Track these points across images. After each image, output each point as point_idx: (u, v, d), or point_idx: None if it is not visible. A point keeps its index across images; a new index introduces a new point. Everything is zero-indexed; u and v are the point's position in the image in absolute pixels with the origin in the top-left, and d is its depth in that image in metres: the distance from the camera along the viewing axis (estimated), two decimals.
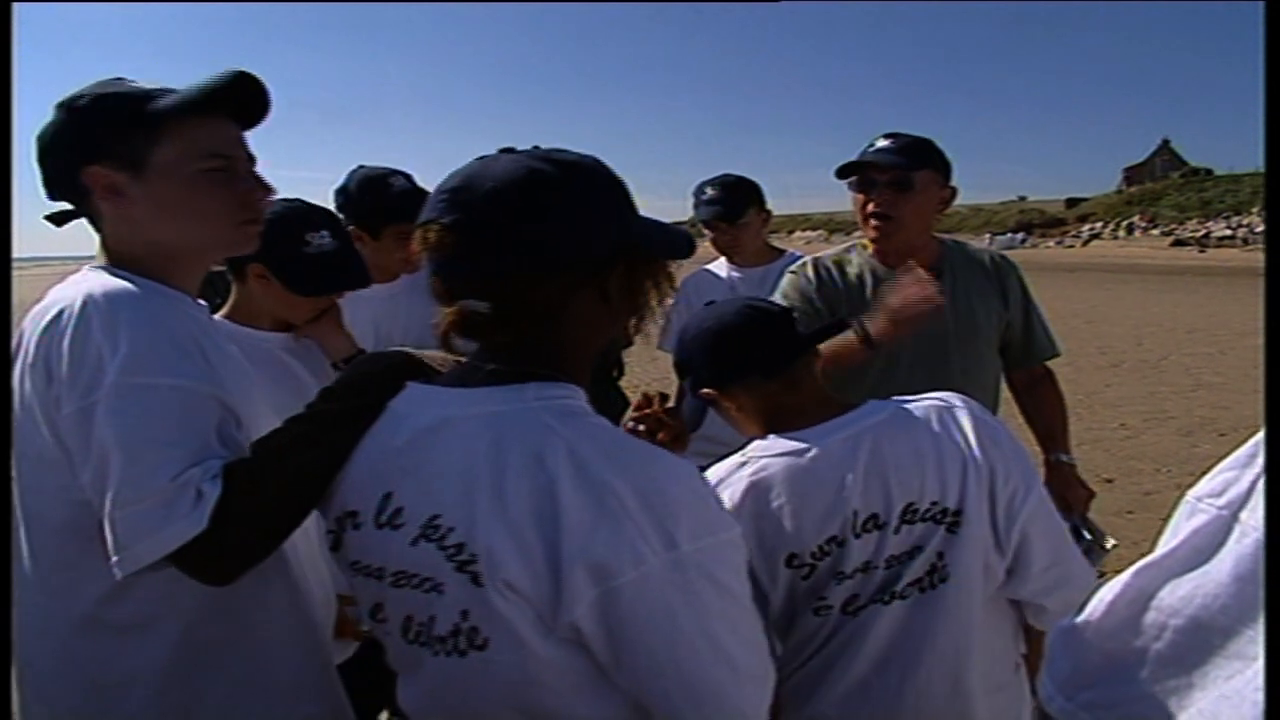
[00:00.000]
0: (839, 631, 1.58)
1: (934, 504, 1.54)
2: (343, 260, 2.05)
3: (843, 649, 1.57)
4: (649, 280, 1.18)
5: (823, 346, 2.51)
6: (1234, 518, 0.78)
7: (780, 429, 1.62)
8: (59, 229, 1.45)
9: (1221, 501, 0.80)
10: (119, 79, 1.37)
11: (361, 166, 2.66)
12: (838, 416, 1.59)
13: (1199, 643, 0.78)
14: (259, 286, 2.02)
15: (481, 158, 1.14)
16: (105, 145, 1.31)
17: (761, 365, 1.63)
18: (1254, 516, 0.76)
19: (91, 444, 1.17)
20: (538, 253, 1.08)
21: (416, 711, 1.19)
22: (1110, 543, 2.48)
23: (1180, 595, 0.80)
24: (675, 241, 1.20)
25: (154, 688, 1.29)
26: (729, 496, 1.57)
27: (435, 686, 1.14)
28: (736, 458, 1.62)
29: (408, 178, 2.63)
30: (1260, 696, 0.70)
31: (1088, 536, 2.45)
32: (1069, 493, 2.52)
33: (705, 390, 1.68)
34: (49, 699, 1.32)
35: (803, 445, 1.57)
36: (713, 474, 1.61)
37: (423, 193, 2.60)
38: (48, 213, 1.43)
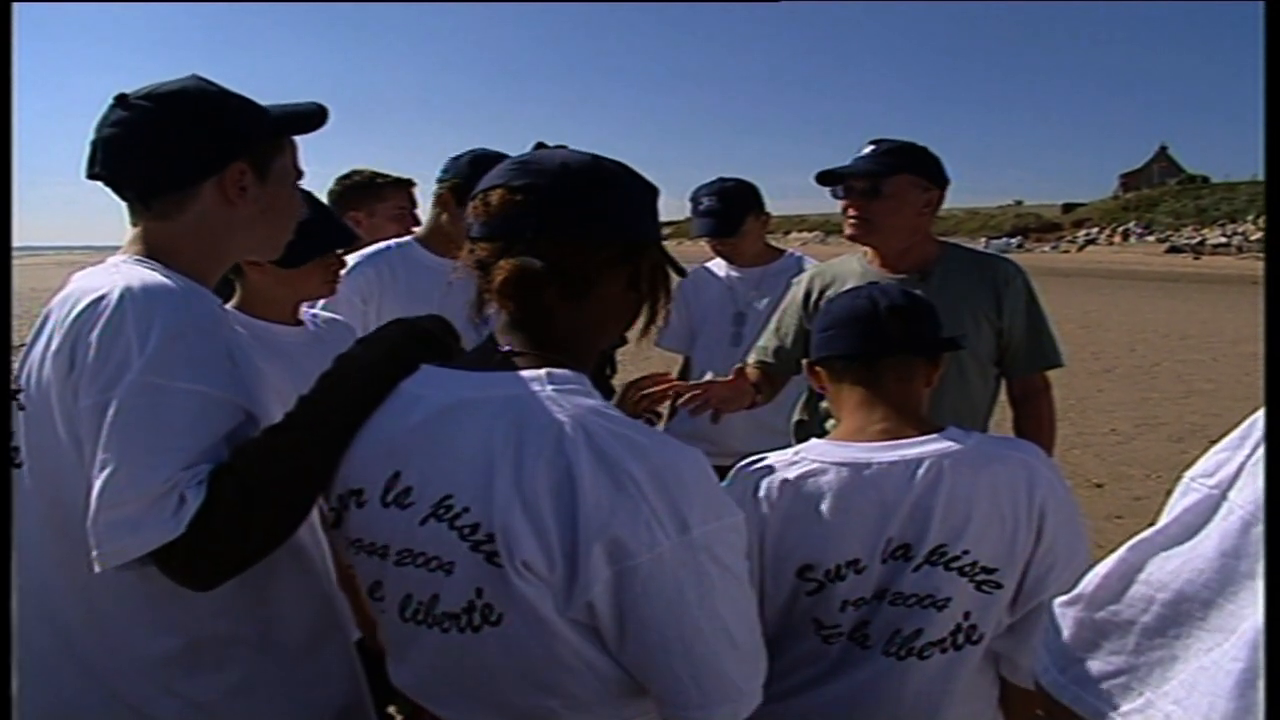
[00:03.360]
0: (846, 671, 1.53)
1: (965, 553, 1.48)
2: (318, 226, 2.07)
3: (856, 696, 1.52)
4: (666, 282, 1.27)
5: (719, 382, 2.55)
6: (1223, 496, 0.81)
7: (851, 427, 1.58)
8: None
9: (1213, 481, 0.82)
10: (200, 78, 1.39)
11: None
12: (912, 437, 1.53)
13: (1182, 616, 0.80)
14: (259, 275, 2.05)
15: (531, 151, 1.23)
16: (252, 145, 1.38)
17: (842, 347, 1.60)
18: (1241, 495, 0.79)
19: (99, 439, 1.17)
20: (596, 221, 1.17)
21: (415, 687, 1.21)
22: None
23: (1168, 570, 0.82)
24: (680, 267, 1.31)
25: (165, 670, 1.28)
26: (767, 488, 1.53)
27: (439, 663, 1.16)
28: (790, 452, 1.58)
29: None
30: (1235, 666, 0.73)
31: None
32: None
33: (807, 359, 1.70)
34: (48, 685, 1.32)
35: (861, 459, 1.51)
36: (760, 463, 1.58)
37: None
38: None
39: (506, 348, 1.18)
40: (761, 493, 1.54)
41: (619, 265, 1.19)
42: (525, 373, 1.14)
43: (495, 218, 1.16)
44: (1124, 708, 0.84)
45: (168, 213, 1.35)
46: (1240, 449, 0.82)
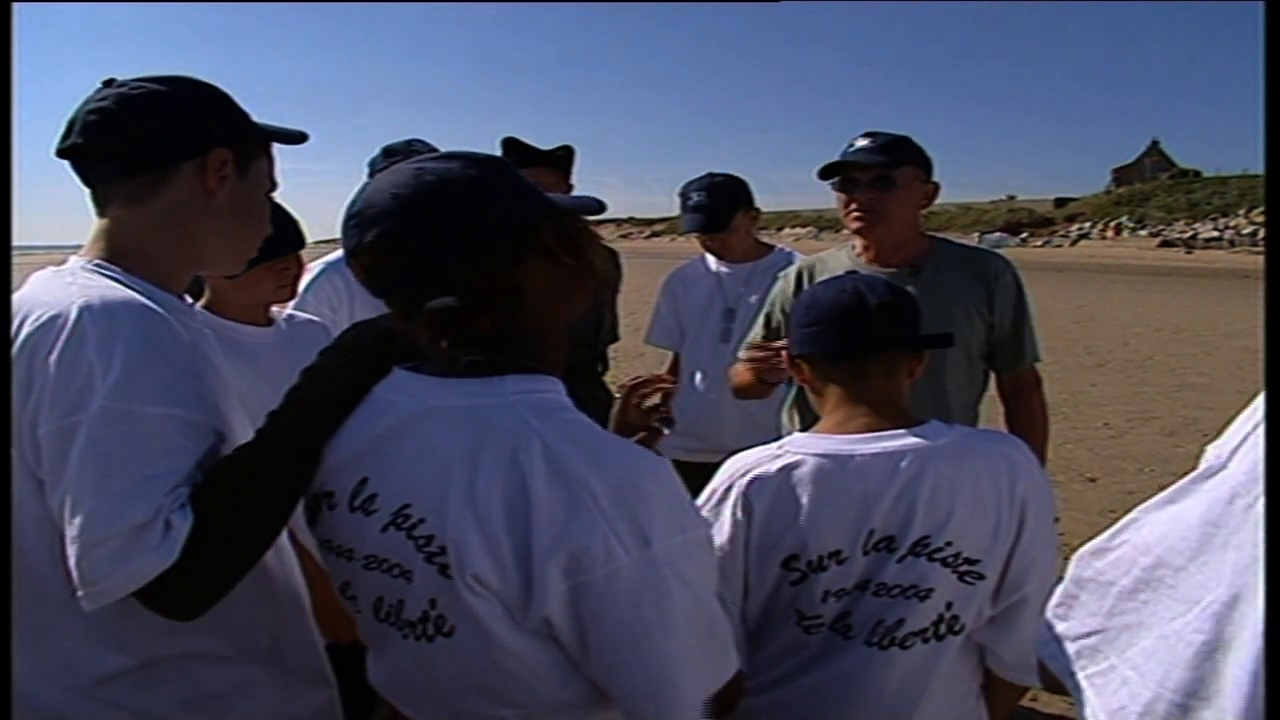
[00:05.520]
0: (829, 660, 1.54)
1: (948, 544, 1.49)
2: None
3: (838, 686, 1.53)
4: (582, 234, 1.18)
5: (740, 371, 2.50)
6: (1223, 465, 0.80)
7: (833, 421, 1.59)
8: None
9: (1225, 450, 0.81)
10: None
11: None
12: (894, 429, 1.53)
13: (1155, 581, 0.81)
14: (213, 279, 2.07)
15: (362, 187, 1.15)
16: (236, 135, 1.37)
17: (830, 345, 1.59)
18: (1238, 466, 0.78)
19: (67, 468, 1.12)
20: (472, 228, 1.08)
21: (385, 686, 1.22)
22: None
23: (1155, 535, 0.83)
24: (584, 202, 1.22)
25: (113, 686, 1.25)
26: (752, 483, 1.53)
27: (404, 666, 1.17)
28: (774, 446, 1.59)
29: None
30: (1197, 639, 0.74)
31: None
32: None
33: (788, 352, 1.69)
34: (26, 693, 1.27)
35: (844, 451, 1.52)
36: (745, 459, 1.58)
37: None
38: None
39: (470, 355, 1.14)
40: (747, 486, 1.54)
41: (526, 253, 1.11)
42: (489, 380, 1.11)
43: (375, 279, 1.12)
44: (1090, 670, 0.85)
45: (141, 196, 1.31)
46: (1249, 421, 0.81)
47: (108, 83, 1.32)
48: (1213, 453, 0.83)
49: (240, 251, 1.44)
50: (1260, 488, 0.74)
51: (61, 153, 1.33)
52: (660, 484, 1.07)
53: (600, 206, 1.23)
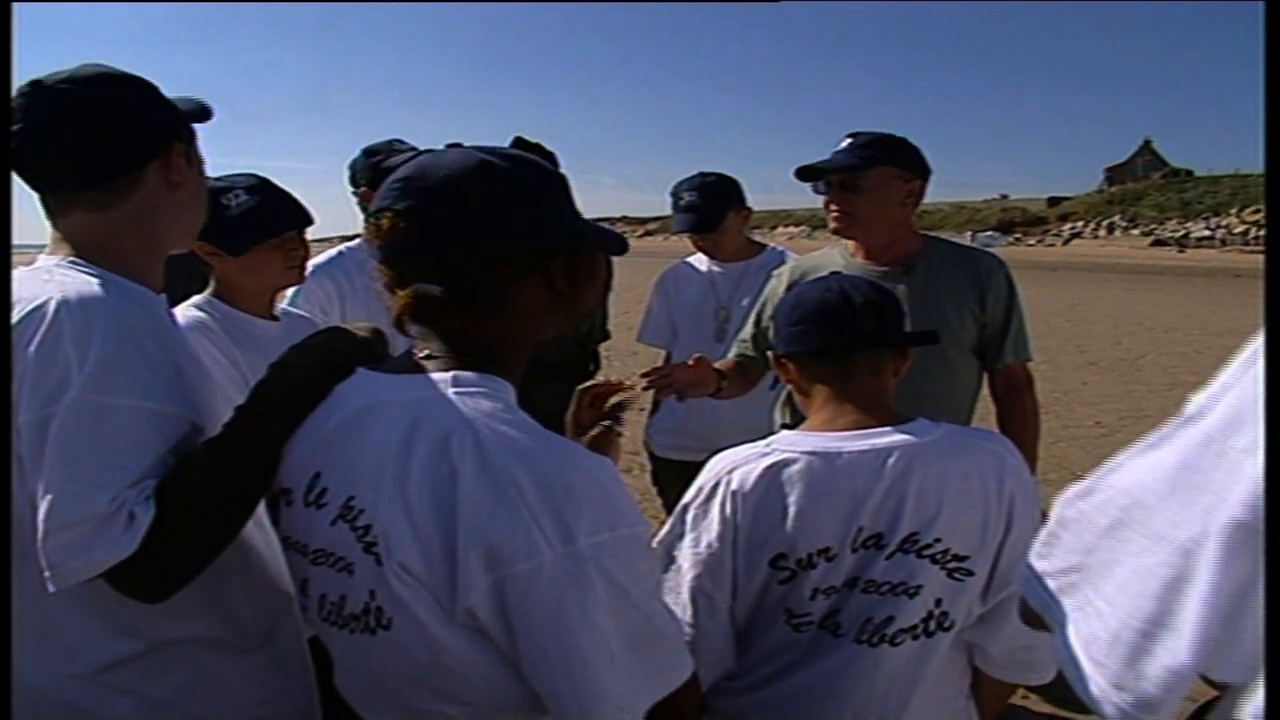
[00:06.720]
0: (818, 659, 1.54)
1: (937, 541, 1.49)
2: (266, 211, 2.05)
3: (827, 684, 1.53)
4: (590, 271, 1.21)
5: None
6: (1203, 414, 0.83)
7: (820, 419, 1.59)
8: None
9: (1205, 399, 0.85)
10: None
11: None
12: (881, 426, 1.54)
13: (1130, 520, 0.83)
14: (219, 265, 2.05)
15: (430, 151, 1.17)
16: (181, 127, 1.40)
17: (815, 343, 1.59)
18: (1214, 412, 0.81)
19: (42, 457, 1.16)
20: (489, 237, 1.11)
21: (341, 686, 1.23)
22: None
23: (1134, 477, 0.86)
24: (612, 239, 1.25)
25: (118, 671, 1.26)
26: (740, 481, 1.53)
27: (352, 663, 1.18)
28: (761, 444, 1.58)
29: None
30: (1164, 572, 0.77)
31: None
32: None
33: (771, 352, 1.69)
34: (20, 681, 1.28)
35: (832, 449, 1.52)
36: (732, 457, 1.58)
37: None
38: None
39: (424, 353, 1.16)
40: (735, 484, 1.54)
41: (528, 275, 1.14)
42: (433, 375, 1.13)
43: (387, 243, 1.13)
44: (1066, 603, 0.88)
45: (111, 202, 1.31)
46: (1233, 374, 0.84)
47: (39, 87, 1.27)
48: (1196, 400, 0.86)
49: (192, 232, 1.49)
50: (1235, 435, 0.77)
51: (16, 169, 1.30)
52: (592, 481, 1.06)
53: (623, 249, 1.28)
